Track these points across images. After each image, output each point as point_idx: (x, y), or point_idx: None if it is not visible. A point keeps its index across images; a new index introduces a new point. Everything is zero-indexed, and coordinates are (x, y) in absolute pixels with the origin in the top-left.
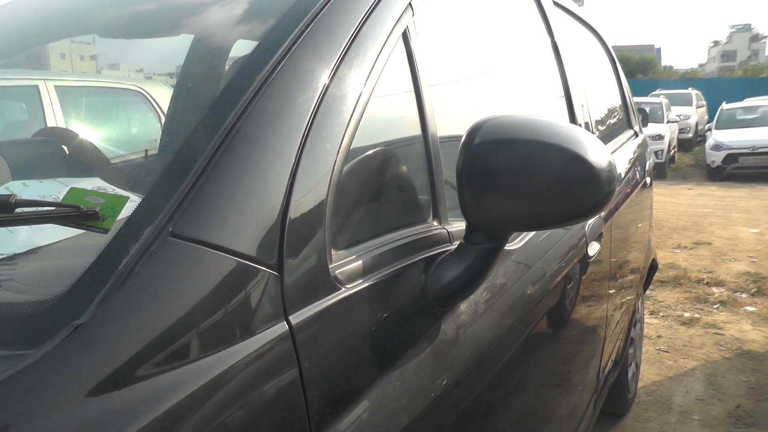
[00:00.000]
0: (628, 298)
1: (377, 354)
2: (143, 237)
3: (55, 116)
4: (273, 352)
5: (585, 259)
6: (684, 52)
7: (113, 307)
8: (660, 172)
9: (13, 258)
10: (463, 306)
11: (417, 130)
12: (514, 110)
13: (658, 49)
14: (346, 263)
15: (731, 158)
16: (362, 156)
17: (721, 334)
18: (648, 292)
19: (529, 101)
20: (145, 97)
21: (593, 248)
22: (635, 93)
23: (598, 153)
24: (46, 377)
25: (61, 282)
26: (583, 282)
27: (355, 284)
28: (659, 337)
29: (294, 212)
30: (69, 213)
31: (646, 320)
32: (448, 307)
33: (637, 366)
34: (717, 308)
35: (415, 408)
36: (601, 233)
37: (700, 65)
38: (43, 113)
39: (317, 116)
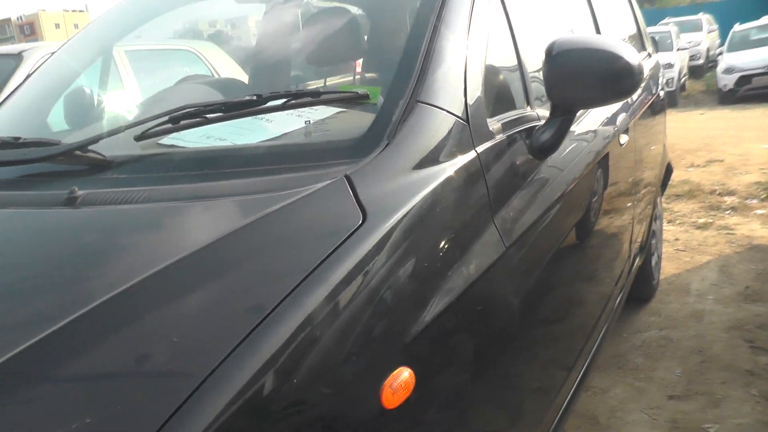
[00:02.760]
0: (651, 189)
1: (513, 178)
2: (401, 103)
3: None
4: (472, 165)
5: (617, 145)
6: None
7: (398, 136)
8: (671, 100)
9: (318, 125)
10: (549, 161)
11: (512, 49)
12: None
13: None
14: (492, 123)
15: (744, 80)
16: (492, 65)
17: (733, 234)
18: (664, 204)
19: (578, 25)
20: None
21: (623, 138)
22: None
23: (630, 55)
24: (383, 162)
25: (370, 126)
26: (616, 164)
27: (498, 137)
28: (677, 239)
29: (470, 91)
30: (355, 96)
31: (664, 228)
32: (543, 158)
33: (659, 257)
34: (729, 213)
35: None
36: (628, 128)
37: None
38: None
39: (470, 35)
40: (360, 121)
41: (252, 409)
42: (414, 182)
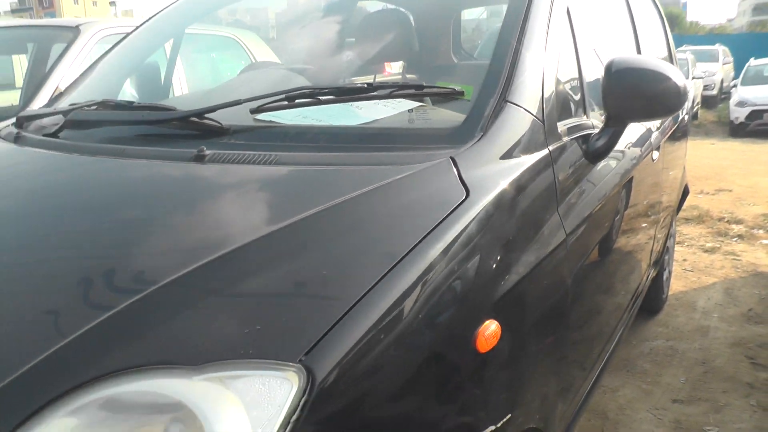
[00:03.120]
0: (671, 206)
1: (572, 177)
2: (491, 101)
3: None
4: (545, 161)
5: (650, 160)
6: (711, 7)
7: (491, 129)
8: None
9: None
10: (599, 165)
11: (575, 62)
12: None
13: (684, 3)
14: (560, 126)
15: (755, 114)
16: (561, 75)
17: (739, 260)
18: (673, 227)
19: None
20: None
21: (655, 155)
22: None
23: (678, 77)
24: (478, 150)
25: (466, 119)
26: (647, 177)
27: (564, 139)
28: (684, 260)
29: (546, 96)
30: (452, 92)
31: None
32: (595, 163)
33: (669, 273)
34: (735, 240)
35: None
36: (659, 146)
37: (729, 20)
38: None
39: (546, 48)
40: (452, 114)
41: (379, 339)
42: (502, 169)
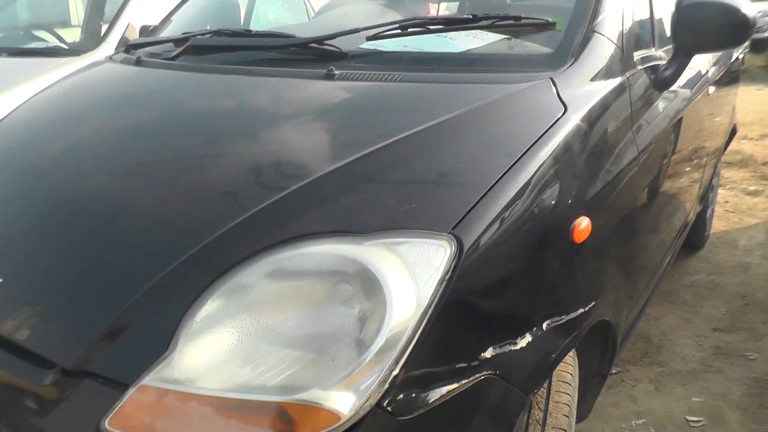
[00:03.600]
0: (719, 142)
1: (642, 102)
2: (580, 31)
3: None
4: (624, 85)
5: (707, 94)
6: None
7: (581, 56)
8: None
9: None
10: (665, 94)
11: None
12: None
13: None
14: (635, 56)
15: None
16: (636, 9)
17: None
18: (719, 166)
19: None
20: None
21: (711, 89)
22: None
23: (747, 8)
24: (571, 73)
25: (558, 46)
26: (703, 110)
27: (638, 67)
28: (726, 202)
29: (625, 28)
30: (545, 23)
31: None
32: (662, 91)
33: (713, 211)
34: None
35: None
36: (715, 81)
37: None
38: None
39: None
40: (544, 43)
41: (505, 220)
42: (591, 90)
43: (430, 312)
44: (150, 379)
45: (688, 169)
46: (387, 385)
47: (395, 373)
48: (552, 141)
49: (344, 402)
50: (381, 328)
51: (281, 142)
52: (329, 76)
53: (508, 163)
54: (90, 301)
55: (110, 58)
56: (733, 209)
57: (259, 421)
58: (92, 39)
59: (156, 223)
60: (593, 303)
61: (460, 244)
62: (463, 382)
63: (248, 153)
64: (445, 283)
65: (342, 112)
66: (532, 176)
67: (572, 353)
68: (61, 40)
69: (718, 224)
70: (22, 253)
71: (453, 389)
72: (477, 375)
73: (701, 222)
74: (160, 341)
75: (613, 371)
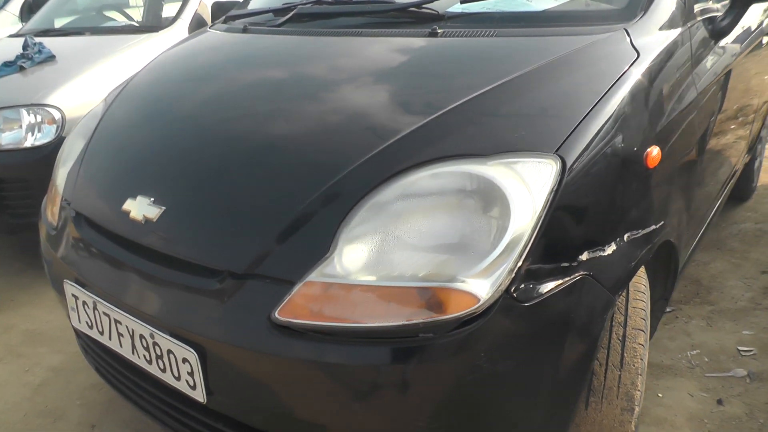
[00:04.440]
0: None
1: (701, 49)
2: None
3: None
4: (685, 35)
5: (760, 44)
6: None
7: (648, 9)
8: None
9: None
10: (721, 43)
11: None
12: None
13: None
14: (695, 8)
15: None
16: None
17: None
18: None
19: None
20: None
21: (765, 39)
22: None
23: None
24: (641, 24)
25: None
26: (756, 59)
27: (698, 18)
28: None
29: None
30: None
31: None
32: (718, 41)
33: (760, 163)
34: None
35: None
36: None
37: None
38: None
39: None
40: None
41: (596, 147)
42: (659, 38)
43: (542, 218)
44: (314, 276)
45: (739, 116)
46: (513, 275)
47: (519, 265)
48: (629, 81)
49: (482, 287)
50: (507, 229)
51: (406, 86)
52: (433, 34)
53: (595, 98)
54: (255, 217)
55: (209, 29)
56: None
57: (414, 302)
58: (155, 17)
59: (310, 152)
60: (662, 222)
61: (563, 163)
62: (566, 279)
63: (379, 96)
64: (553, 194)
65: (453, 62)
66: (615, 109)
67: (643, 269)
68: (130, 19)
69: (765, 177)
70: (182, 185)
71: (558, 284)
72: (575, 274)
73: (749, 172)
74: (322, 245)
75: (668, 309)
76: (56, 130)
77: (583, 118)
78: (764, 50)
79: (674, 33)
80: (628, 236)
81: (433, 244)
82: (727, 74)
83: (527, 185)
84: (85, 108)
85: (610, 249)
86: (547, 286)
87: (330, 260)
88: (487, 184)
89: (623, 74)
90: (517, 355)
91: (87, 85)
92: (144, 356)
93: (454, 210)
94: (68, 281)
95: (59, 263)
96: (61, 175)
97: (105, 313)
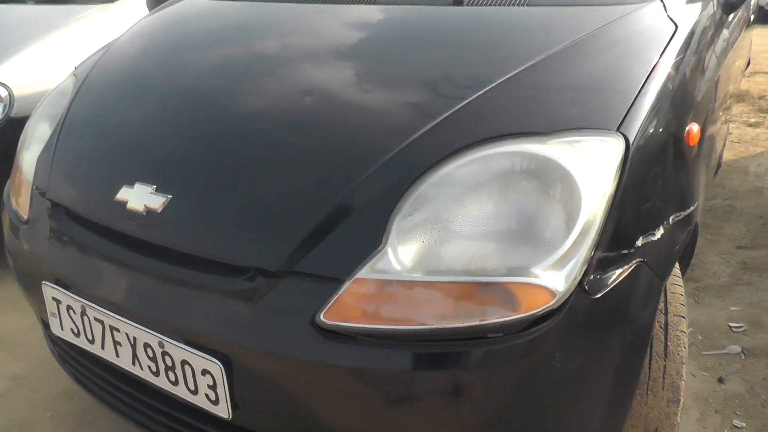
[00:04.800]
0: (741, 71)
1: (715, 20)
2: None
3: None
4: (705, 7)
5: (748, 23)
6: None
7: None
8: None
9: None
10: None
11: None
12: None
13: None
14: None
15: None
16: None
17: None
18: None
19: None
20: None
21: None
22: None
23: None
24: None
25: None
26: (743, 38)
27: None
28: (730, 134)
29: None
30: None
31: None
32: (728, 14)
33: (724, 144)
34: None
35: None
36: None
37: None
38: None
39: None
40: None
41: (648, 121)
42: (688, 11)
43: (612, 201)
44: (366, 272)
45: (731, 88)
46: (586, 266)
47: (591, 255)
48: (671, 54)
49: (557, 280)
50: (578, 215)
51: (444, 58)
52: (457, 2)
53: (643, 73)
54: (288, 205)
55: None
56: (738, 140)
57: (487, 301)
58: None
59: (349, 130)
60: (696, 203)
61: (626, 140)
62: (625, 267)
63: (418, 69)
64: (619, 175)
65: (488, 32)
66: (662, 85)
67: None
68: None
69: (726, 154)
70: (191, 169)
71: (620, 273)
72: (633, 261)
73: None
74: (372, 237)
75: None
76: (3, 109)
77: (638, 94)
78: (748, 30)
79: (701, 6)
80: (673, 219)
81: (498, 233)
82: (734, 49)
83: (594, 166)
84: (36, 85)
85: (659, 233)
86: (612, 276)
87: (383, 253)
88: (551, 165)
89: (666, 47)
90: (586, 352)
91: (37, 59)
92: (149, 367)
93: (518, 195)
94: (47, 283)
95: (34, 261)
96: (27, 159)
97: (97, 319)
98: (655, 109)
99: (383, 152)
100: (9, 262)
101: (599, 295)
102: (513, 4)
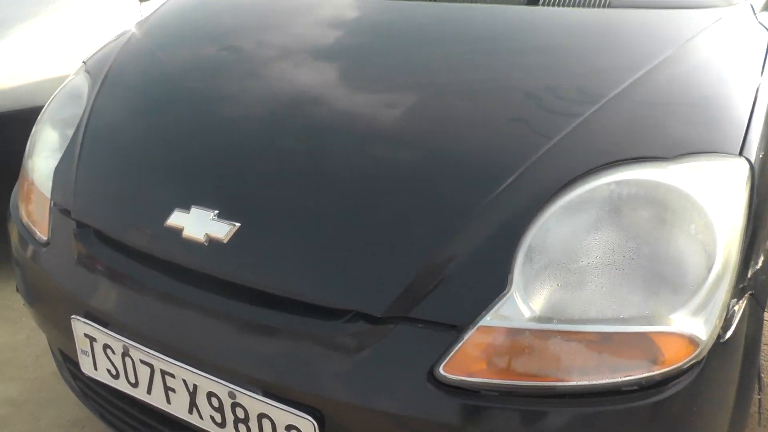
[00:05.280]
0: None
1: None
2: None
3: None
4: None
5: None
6: None
7: None
8: None
9: None
10: None
11: None
12: None
13: None
14: None
15: None
16: None
17: None
18: None
19: None
20: None
21: None
22: None
23: None
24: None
25: None
26: None
27: None
28: None
29: None
30: None
31: None
32: None
33: None
34: None
35: None
36: None
37: None
38: None
39: None
40: None
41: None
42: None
43: (743, 234)
44: (490, 319)
45: None
46: (725, 310)
47: (730, 297)
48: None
49: (699, 328)
50: (716, 251)
51: (539, 67)
52: (533, 2)
53: (750, 88)
54: (396, 243)
55: None
56: None
57: (631, 354)
58: None
59: (463, 151)
60: None
61: (750, 164)
62: (741, 302)
63: (512, 77)
64: (748, 204)
65: (578, 37)
66: (756, 92)
67: None
68: None
69: None
70: (266, 193)
71: (738, 309)
72: (745, 295)
73: None
74: (495, 279)
75: None
76: None
77: (752, 113)
78: None
79: None
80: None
81: (630, 274)
82: None
83: (724, 196)
84: (15, 79)
85: (761, 261)
86: (732, 313)
87: (508, 297)
88: (677, 195)
89: (766, 58)
90: (714, 399)
91: (14, 50)
92: (212, 418)
93: (650, 230)
94: (79, 318)
95: (57, 290)
96: (39, 169)
97: (144, 362)
98: (764, 129)
99: (497, 180)
100: (16, 275)
101: (727, 338)
102: (592, 5)
